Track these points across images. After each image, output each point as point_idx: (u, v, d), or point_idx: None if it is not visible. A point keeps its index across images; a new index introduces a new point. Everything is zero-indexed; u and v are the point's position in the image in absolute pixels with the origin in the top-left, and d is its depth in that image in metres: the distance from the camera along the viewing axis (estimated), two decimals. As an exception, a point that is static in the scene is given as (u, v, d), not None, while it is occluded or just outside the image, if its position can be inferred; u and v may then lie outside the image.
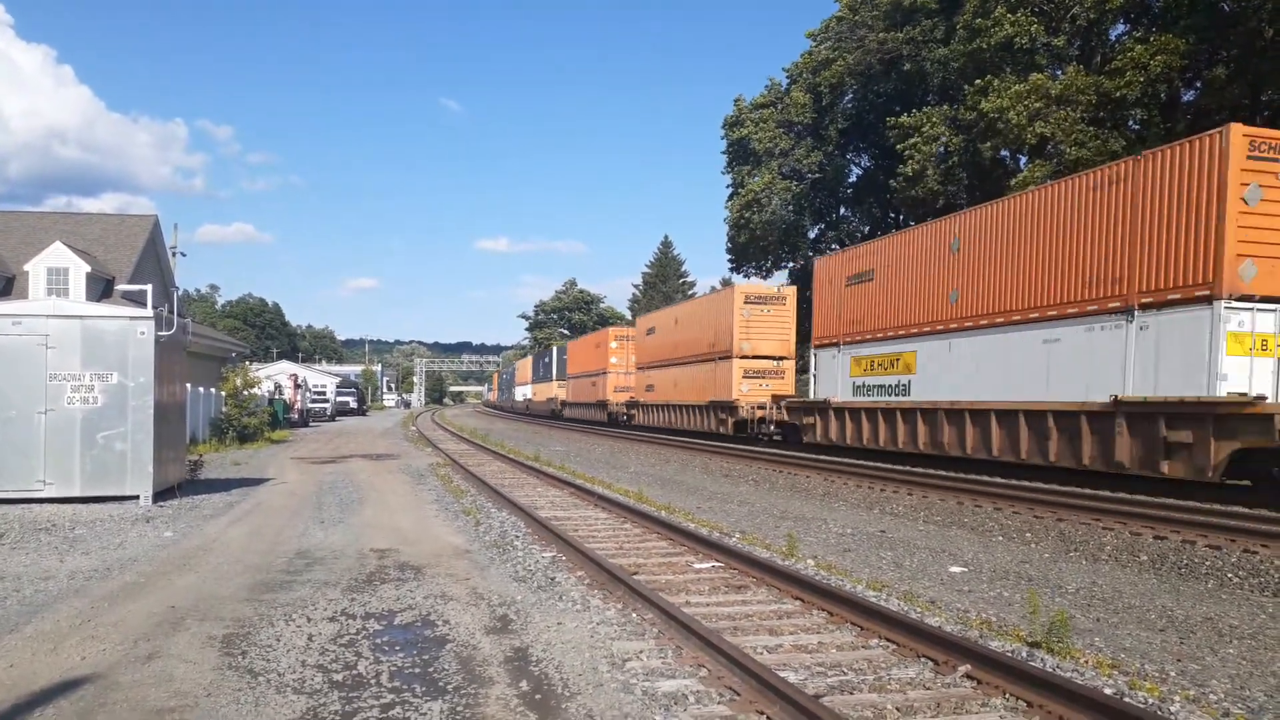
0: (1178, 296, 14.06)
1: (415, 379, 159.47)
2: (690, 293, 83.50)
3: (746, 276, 54.27)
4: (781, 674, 5.44)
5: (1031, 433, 16.88)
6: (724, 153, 53.14)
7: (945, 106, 37.68)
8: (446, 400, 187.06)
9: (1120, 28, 34.49)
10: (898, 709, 5.19)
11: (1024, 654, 6.12)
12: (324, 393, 68.75)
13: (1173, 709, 5.21)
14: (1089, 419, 15.54)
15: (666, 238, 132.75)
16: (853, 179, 51.46)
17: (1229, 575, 9.22)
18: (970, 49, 34.08)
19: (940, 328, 19.90)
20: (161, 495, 14.30)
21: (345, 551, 10.23)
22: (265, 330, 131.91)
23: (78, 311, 14.14)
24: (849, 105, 47.96)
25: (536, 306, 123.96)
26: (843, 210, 53.25)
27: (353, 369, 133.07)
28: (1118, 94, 29.41)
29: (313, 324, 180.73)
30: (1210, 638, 7.12)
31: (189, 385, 20.19)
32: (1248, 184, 13.30)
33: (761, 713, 5.05)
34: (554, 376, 63.43)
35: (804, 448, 25.41)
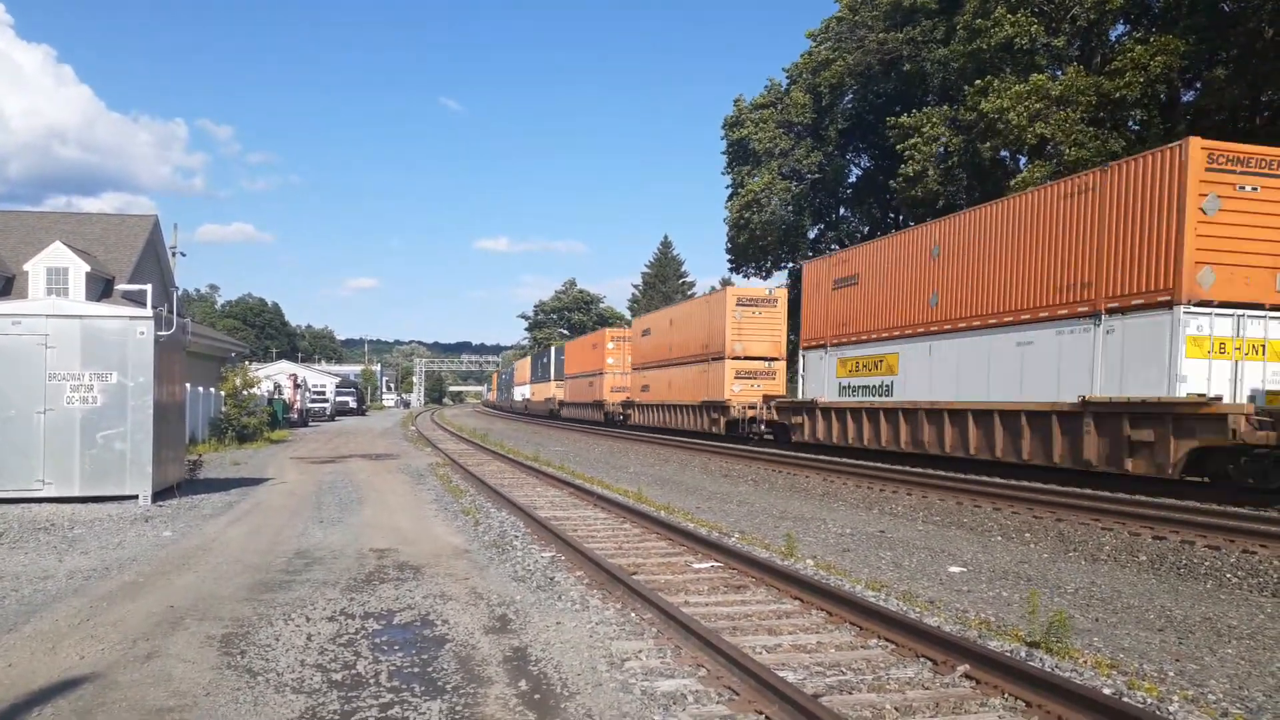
0: (1141, 302, 14.80)
1: (415, 379, 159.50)
2: (690, 293, 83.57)
3: (746, 277, 54.35)
4: (780, 673, 5.44)
5: (1006, 432, 17.57)
6: (724, 153, 53.16)
7: (945, 107, 37.67)
8: (446, 400, 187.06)
9: (1120, 28, 34.52)
10: (896, 709, 5.19)
11: (1023, 654, 6.12)
12: (323, 393, 68.74)
13: (1171, 709, 5.22)
14: (1059, 419, 16.21)
15: (666, 238, 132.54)
16: (852, 179, 51.51)
17: (1228, 575, 9.23)
18: (970, 49, 34.09)
19: (921, 331, 20.56)
20: (161, 495, 14.30)
21: (344, 551, 10.23)
22: (265, 330, 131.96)
23: (77, 311, 14.14)
24: (849, 105, 47.96)
25: (536, 306, 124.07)
26: (842, 210, 53.27)
27: (352, 369, 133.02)
28: (1117, 94, 29.42)
29: (312, 324, 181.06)
30: (1209, 638, 7.13)
31: (188, 385, 20.18)
32: (1206, 195, 14.04)
33: (760, 712, 5.05)
34: (552, 377, 63.60)
35: (801, 447, 25.64)
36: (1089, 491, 14.35)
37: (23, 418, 13.39)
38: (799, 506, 15.05)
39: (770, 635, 6.73)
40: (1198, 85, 32.33)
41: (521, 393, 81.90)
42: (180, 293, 39.89)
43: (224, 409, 31.78)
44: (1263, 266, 14.30)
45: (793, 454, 23.84)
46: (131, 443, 13.66)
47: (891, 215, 47.94)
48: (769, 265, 52.85)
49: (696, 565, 9.38)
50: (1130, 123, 32.29)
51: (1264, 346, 14.37)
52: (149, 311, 14.43)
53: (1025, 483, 16.20)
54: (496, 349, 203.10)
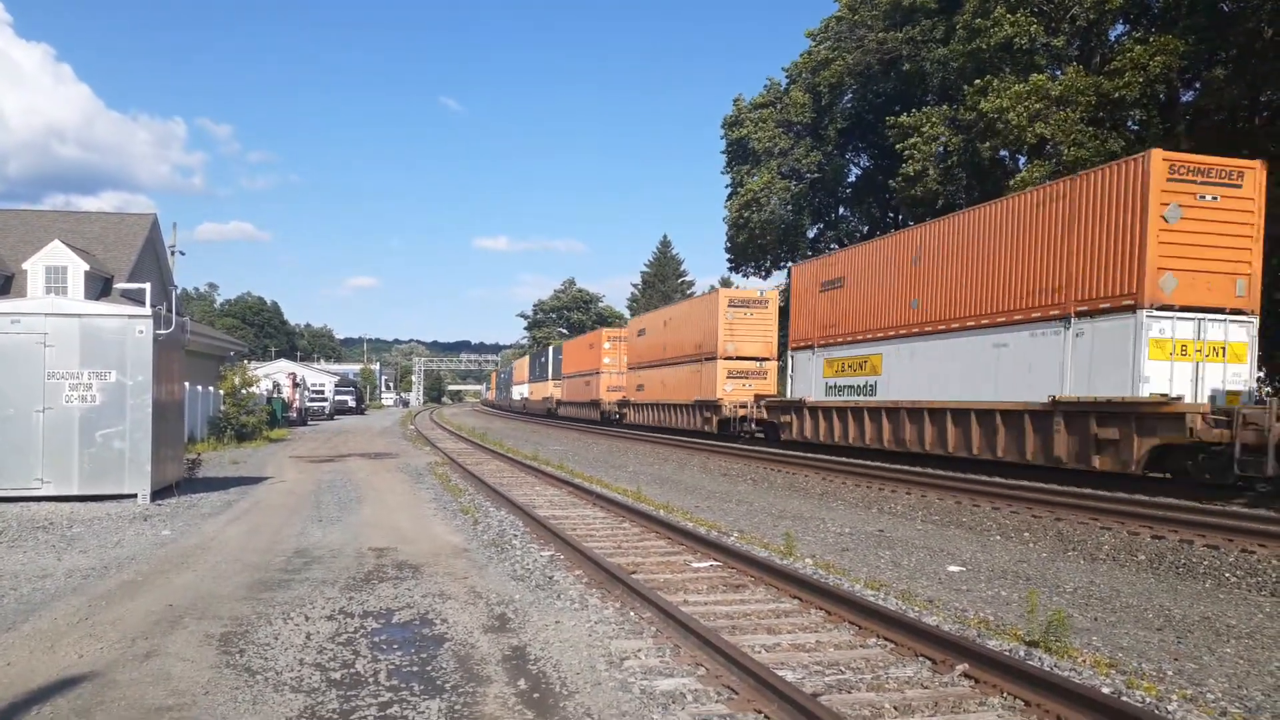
0: (1107, 305, 15.37)
1: (414, 378, 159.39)
2: (690, 292, 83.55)
3: (745, 276, 54.33)
4: (779, 673, 5.44)
5: (982, 430, 18.20)
6: (723, 152, 53.10)
7: (945, 106, 37.63)
8: (445, 399, 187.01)
9: (1120, 28, 34.50)
10: (895, 708, 5.19)
11: (1022, 653, 6.12)
12: (322, 391, 68.70)
13: (1170, 708, 5.22)
14: (1031, 417, 16.81)
15: (665, 237, 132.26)
16: (852, 179, 51.43)
17: (1226, 575, 9.24)
18: (970, 49, 34.06)
19: (903, 332, 21.15)
20: (159, 494, 14.30)
21: (343, 550, 10.22)
22: (264, 329, 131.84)
23: (76, 310, 14.12)
24: (848, 105, 47.91)
25: (535, 306, 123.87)
26: (842, 210, 53.20)
27: (351, 368, 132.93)
28: (1117, 94, 29.39)
29: (311, 323, 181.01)
30: (1208, 637, 7.13)
31: (187, 384, 20.17)
32: (1168, 204, 14.63)
33: (759, 711, 5.05)
34: (549, 376, 63.79)
35: (795, 446, 25.82)
36: (1088, 491, 14.39)
37: (21, 416, 13.37)
38: (798, 505, 15.06)
39: (769, 634, 6.73)
40: (1197, 85, 32.30)
41: (520, 392, 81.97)
42: (179, 291, 39.87)
43: (223, 408, 31.76)
44: (1223, 273, 14.92)
45: (791, 453, 23.93)
46: (130, 441, 13.66)
47: (891, 215, 47.89)
48: (768, 265, 52.82)
49: (695, 564, 9.38)
50: (1130, 123, 32.26)
51: (1224, 349, 15.00)
52: (148, 310, 14.41)
53: (1024, 482, 16.21)
54: (495, 348, 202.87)
